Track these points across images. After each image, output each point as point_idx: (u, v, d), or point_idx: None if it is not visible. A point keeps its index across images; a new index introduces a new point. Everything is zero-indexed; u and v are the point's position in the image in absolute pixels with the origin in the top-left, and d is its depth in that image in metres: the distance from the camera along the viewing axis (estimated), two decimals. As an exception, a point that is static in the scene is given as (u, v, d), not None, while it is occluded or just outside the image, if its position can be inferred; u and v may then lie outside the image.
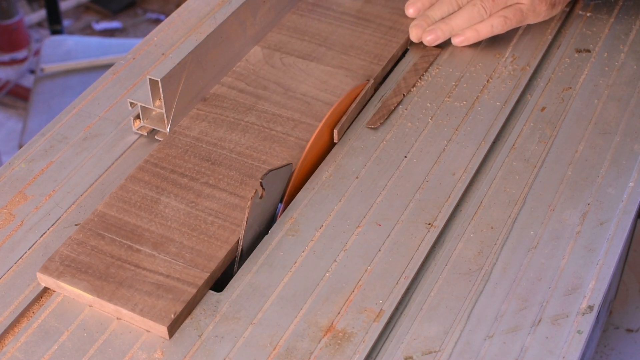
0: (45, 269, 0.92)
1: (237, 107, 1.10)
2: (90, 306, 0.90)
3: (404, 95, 1.13)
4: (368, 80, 1.14)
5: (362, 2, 1.28)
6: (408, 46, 1.22)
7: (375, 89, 1.14)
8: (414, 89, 1.15)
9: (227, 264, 0.94)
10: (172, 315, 0.87)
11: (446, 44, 1.22)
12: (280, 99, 1.11)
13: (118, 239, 0.94)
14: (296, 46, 1.20)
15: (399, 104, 1.12)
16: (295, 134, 1.07)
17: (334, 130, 1.06)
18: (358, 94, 1.11)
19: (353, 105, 1.08)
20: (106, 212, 0.97)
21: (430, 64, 1.18)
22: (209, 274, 0.91)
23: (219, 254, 0.93)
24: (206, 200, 0.98)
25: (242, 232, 0.95)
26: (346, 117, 1.07)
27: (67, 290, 0.91)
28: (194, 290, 0.89)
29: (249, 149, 1.05)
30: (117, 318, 0.89)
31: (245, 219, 0.94)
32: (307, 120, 1.09)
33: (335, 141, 1.07)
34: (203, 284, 0.90)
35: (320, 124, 1.05)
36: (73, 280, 0.90)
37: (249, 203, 0.93)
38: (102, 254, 0.93)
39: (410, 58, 1.20)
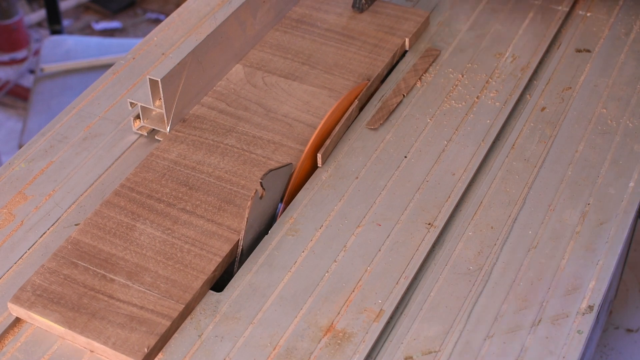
0: (17, 299, 0.89)
1: (217, 128, 1.07)
2: (63, 338, 0.88)
3: (403, 95, 1.13)
4: (368, 80, 1.14)
5: (347, 19, 1.24)
6: (393, 65, 1.19)
7: (360, 109, 1.11)
8: (415, 88, 1.15)
9: (203, 294, 0.91)
10: (146, 349, 0.84)
11: (446, 44, 1.22)
12: (261, 121, 1.08)
13: (92, 267, 0.91)
14: (279, 64, 1.17)
15: (398, 104, 1.12)
16: (275, 157, 1.03)
17: (318, 155, 1.03)
18: (359, 94, 1.11)
19: (338, 126, 1.05)
20: (80, 240, 0.94)
21: (430, 65, 1.18)
22: (184, 306, 0.88)
23: (194, 284, 0.89)
24: (183, 227, 0.95)
25: (242, 232, 0.95)
26: (330, 140, 1.04)
27: (38, 321, 0.88)
28: (168, 323, 0.86)
29: (228, 173, 1.02)
30: (90, 351, 0.87)
31: (245, 219, 0.94)
32: (288, 143, 1.05)
33: (319, 165, 1.03)
34: (178, 316, 0.87)
35: (321, 123, 1.05)
36: (44, 311, 0.87)
37: (249, 203, 0.93)
38: (75, 284, 0.90)
39: (410, 59, 1.20)
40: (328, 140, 1.04)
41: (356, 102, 1.09)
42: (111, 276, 0.91)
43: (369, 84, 1.13)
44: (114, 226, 0.95)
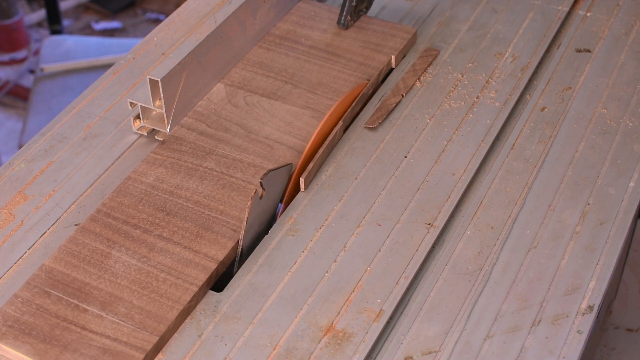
0: None
1: (196, 151, 1.04)
2: None
3: (402, 95, 1.13)
4: (368, 79, 1.14)
5: (331, 35, 1.21)
6: (380, 83, 1.16)
7: (345, 129, 1.09)
8: (414, 88, 1.15)
9: (178, 325, 0.88)
10: None
11: (446, 44, 1.22)
12: (241, 142, 1.05)
13: (65, 297, 0.89)
14: (261, 83, 1.14)
15: (397, 104, 1.12)
16: (255, 181, 1.00)
17: (301, 179, 1.01)
18: (359, 93, 1.11)
19: (321, 149, 1.03)
20: (54, 268, 0.92)
21: (429, 65, 1.18)
22: (158, 338, 0.85)
23: (169, 315, 0.87)
24: (159, 255, 0.93)
25: (242, 232, 0.95)
26: (313, 164, 1.01)
27: (9, 353, 0.86)
28: (141, 356, 0.84)
29: (207, 197, 0.99)
30: None
31: (245, 219, 0.94)
32: (269, 166, 1.02)
33: (302, 190, 1.01)
34: (152, 349, 0.85)
35: (322, 122, 1.05)
36: (15, 342, 0.85)
37: (249, 203, 0.93)
38: (47, 314, 0.87)
39: (409, 59, 1.20)
40: (311, 163, 1.01)
41: (341, 122, 1.06)
42: (84, 306, 0.88)
43: (368, 84, 1.12)
44: (88, 254, 0.93)
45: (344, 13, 1.21)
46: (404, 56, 1.19)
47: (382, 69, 1.16)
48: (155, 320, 0.87)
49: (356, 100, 1.10)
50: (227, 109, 1.10)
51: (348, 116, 1.09)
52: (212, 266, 0.91)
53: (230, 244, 0.94)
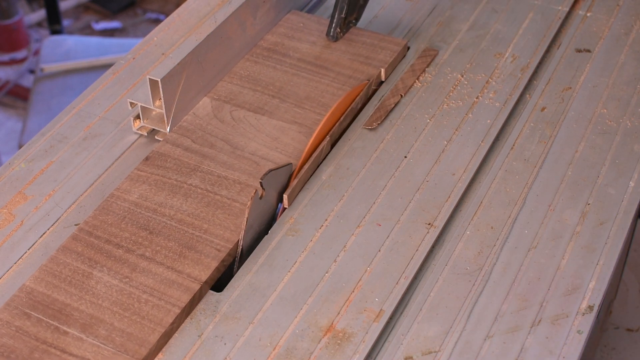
0: None
1: (181, 167, 1.02)
2: None
3: (401, 95, 1.13)
4: (368, 80, 1.14)
5: (320, 48, 1.19)
6: (368, 98, 1.13)
7: (332, 145, 1.07)
8: (415, 89, 1.15)
9: (160, 348, 0.86)
10: None
11: (446, 44, 1.22)
12: (227, 159, 1.03)
13: (45, 319, 0.87)
14: (248, 97, 1.11)
15: (396, 104, 1.12)
16: (240, 199, 0.98)
17: (284, 196, 0.99)
18: (358, 94, 1.11)
19: (307, 165, 1.01)
20: (34, 288, 0.89)
21: (428, 65, 1.18)
22: None
23: (151, 338, 0.85)
24: (141, 275, 0.91)
25: (242, 232, 0.95)
26: (297, 181, 1.00)
27: None
28: None
29: (191, 216, 0.97)
30: None
31: (245, 219, 0.94)
32: (255, 183, 1.00)
33: (286, 207, 0.99)
34: None
35: (323, 120, 1.05)
36: None
37: (249, 203, 0.93)
38: (27, 336, 0.85)
39: (408, 59, 1.20)
40: (295, 180, 0.99)
41: (328, 138, 1.05)
42: (65, 328, 0.86)
43: (357, 98, 1.10)
44: (69, 274, 0.91)
45: (333, 25, 1.19)
46: (394, 69, 1.17)
47: (371, 82, 1.14)
48: (136, 343, 0.85)
49: (344, 116, 1.08)
50: (213, 124, 1.08)
51: (336, 131, 1.07)
52: (195, 287, 0.90)
53: (214, 264, 0.92)
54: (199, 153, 1.04)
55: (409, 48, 1.22)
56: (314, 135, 1.04)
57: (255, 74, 1.15)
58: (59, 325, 0.87)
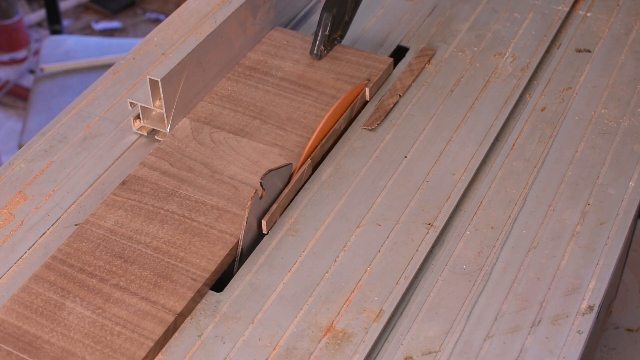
0: None
1: (158, 192, 0.99)
2: None
3: (400, 95, 1.13)
4: (368, 79, 1.14)
5: (304, 66, 1.16)
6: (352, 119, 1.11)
7: (314, 169, 1.05)
8: (414, 88, 1.15)
9: None
10: None
11: (446, 44, 1.22)
12: (205, 183, 1.00)
13: (15, 352, 0.84)
14: (228, 119, 1.08)
15: (395, 104, 1.12)
16: (218, 226, 0.95)
17: (263, 222, 0.96)
18: (358, 93, 1.11)
19: (287, 189, 0.99)
20: (5, 320, 0.87)
21: (425, 64, 1.18)
22: None
23: None
24: (115, 306, 0.88)
25: (242, 232, 0.95)
26: (277, 205, 0.98)
27: None
28: None
29: (167, 243, 0.94)
30: None
31: (245, 219, 0.94)
32: (233, 209, 0.97)
33: (265, 232, 0.97)
34: None
35: (324, 119, 1.05)
36: None
37: (249, 203, 0.93)
38: None
39: (406, 59, 1.20)
40: (275, 205, 0.97)
41: (309, 161, 1.03)
42: None
43: (340, 119, 1.08)
44: (41, 304, 0.88)
45: (317, 43, 1.16)
46: (379, 88, 1.15)
47: (355, 102, 1.11)
48: None
49: (326, 137, 1.06)
50: (192, 146, 1.05)
51: (317, 154, 1.05)
52: (170, 319, 0.87)
53: (190, 294, 0.89)
54: (176, 177, 1.01)
55: (408, 49, 1.22)
56: (315, 134, 1.04)
57: (237, 94, 1.12)
58: (28, 358, 0.84)
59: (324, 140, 1.06)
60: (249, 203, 0.93)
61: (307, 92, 1.12)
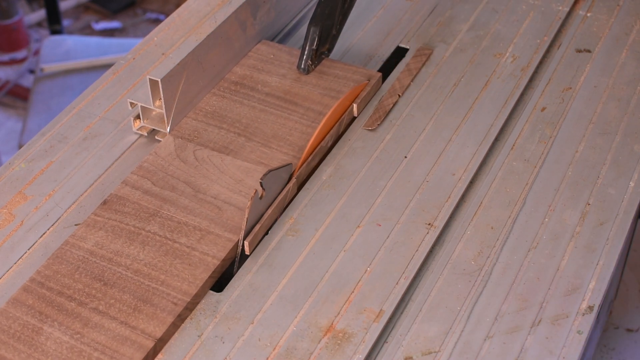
0: None
1: (140, 212, 0.97)
2: None
3: (399, 95, 1.13)
4: (369, 79, 1.14)
5: (290, 81, 1.13)
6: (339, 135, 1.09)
7: (299, 187, 1.03)
8: (414, 88, 1.15)
9: None
10: None
11: (446, 44, 1.22)
12: (188, 203, 0.98)
13: None
14: (212, 135, 1.06)
15: (394, 104, 1.12)
16: (200, 247, 0.93)
17: (245, 242, 0.94)
18: (359, 93, 1.11)
19: (270, 209, 0.98)
20: None
21: (423, 64, 1.18)
22: None
23: None
24: (93, 331, 0.86)
25: (242, 232, 0.95)
26: (260, 226, 0.96)
27: None
28: None
29: (147, 266, 0.92)
30: None
31: (245, 219, 0.94)
32: (216, 230, 0.95)
33: (247, 253, 0.95)
34: None
35: (324, 120, 1.05)
36: None
37: (249, 203, 0.93)
38: None
39: (404, 59, 1.20)
40: (258, 225, 0.96)
41: (294, 180, 1.01)
42: None
43: (327, 136, 1.07)
44: (19, 329, 0.86)
45: (304, 57, 1.14)
46: (367, 103, 1.13)
47: (342, 119, 1.09)
48: None
49: (312, 155, 1.04)
50: (175, 164, 1.03)
51: (302, 172, 1.03)
52: (149, 344, 0.85)
53: (170, 319, 0.87)
54: (159, 196, 0.99)
55: (406, 52, 1.22)
56: (312, 137, 1.04)
57: (222, 110, 1.10)
58: None
59: (310, 158, 1.04)
60: (249, 203, 0.93)
61: (293, 108, 1.10)
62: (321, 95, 1.12)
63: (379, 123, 1.09)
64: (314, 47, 1.14)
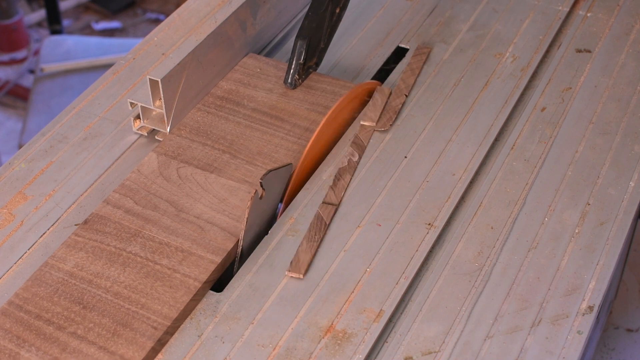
0: None
1: (121, 232, 0.95)
2: None
3: (405, 95, 1.13)
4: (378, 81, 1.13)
5: (277, 96, 1.11)
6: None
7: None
8: (415, 89, 1.15)
9: None
10: None
11: (446, 44, 1.22)
12: (170, 223, 0.96)
13: None
14: (197, 153, 1.04)
15: (403, 104, 1.12)
16: (182, 269, 0.91)
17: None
18: (358, 93, 1.11)
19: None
20: None
21: (424, 62, 1.18)
22: None
23: None
24: (71, 356, 0.84)
25: (242, 232, 0.95)
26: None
27: None
28: None
29: (128, 288, 0.90)
30: None
31: (245, 219, 0.94)
32: (198, 251, 0.93)
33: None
34: None
35: (321, 123, 1.05)
36: None
37: (249, 203, 0.93)
38: None
39: (404, 59, 1.20)
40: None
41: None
42: None
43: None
44: None
45: (291, 72, 1.12)
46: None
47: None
48: None
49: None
50: (158, 182, 1.01)
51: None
52: None
53: (149, 344, 0.85)
54: (140, 216, 0.97)
55: (407, 50, 1.22)
56: (308, 147, 1.03)
57: (206, 126, 1.08)
58: None
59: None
60: (249, 203, 0.93)
61: (279, 124, 1.08)
62: (308, 110, 1.09)
63: (391, 123, 1.09)
64: (301, 61, 1.12)
